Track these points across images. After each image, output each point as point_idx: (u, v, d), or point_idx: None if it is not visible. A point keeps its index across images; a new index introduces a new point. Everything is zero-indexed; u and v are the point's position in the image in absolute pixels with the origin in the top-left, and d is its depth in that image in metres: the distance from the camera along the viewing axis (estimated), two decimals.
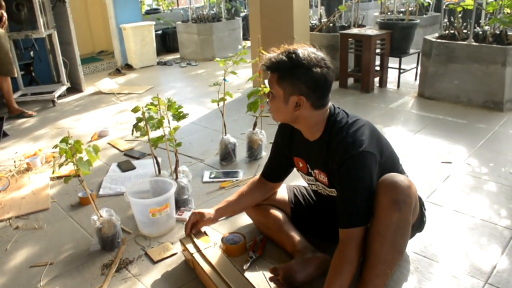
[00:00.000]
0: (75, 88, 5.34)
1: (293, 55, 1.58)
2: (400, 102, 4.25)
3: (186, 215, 2.29)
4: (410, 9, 5.37)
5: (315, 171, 1.80)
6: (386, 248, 1.48)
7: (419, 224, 1.83)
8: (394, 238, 1.49)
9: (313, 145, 1.73)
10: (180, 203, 2.35)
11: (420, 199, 1.84)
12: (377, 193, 1.53)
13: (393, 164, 1.79)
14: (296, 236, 1.92)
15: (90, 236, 2.22)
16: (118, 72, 6.20)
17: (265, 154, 3.05)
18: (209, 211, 2.01)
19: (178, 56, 7.14)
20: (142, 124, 2.28)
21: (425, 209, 1.91)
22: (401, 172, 1.83)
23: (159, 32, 7.43)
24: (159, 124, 2.21)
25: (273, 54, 1.64)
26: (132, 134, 2.28)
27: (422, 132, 3.43)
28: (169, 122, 2.32)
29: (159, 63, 6.68)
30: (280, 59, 1.60)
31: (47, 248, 2.15)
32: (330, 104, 1.70)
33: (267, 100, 1.72)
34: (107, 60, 6.80)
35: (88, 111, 4.49)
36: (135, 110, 2.27)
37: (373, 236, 1.51)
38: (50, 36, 5.09)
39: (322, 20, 5.38)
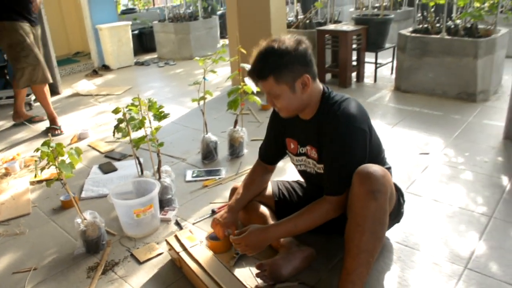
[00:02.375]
0: (51, 90, 5.22)
1: (273, 50, 1.63)
2: (377, 96, 4.32)
3: (170, 214, 2.30)
4: (384, 4, 5.45)
5: (307, 147, 1.84)
6: (366, 238, 1.52)
7: (396, 214, 1.88)
8: (373, 227, 1.53)
9: (308, 123, 1.78)
10: (164, 203, 2.35)
11: (399, 190, 1.89)
12: (352, 184, 1.57)
13: (379, 151, 1.84)
14: None
15: (74, 240, 2.20)
16: (95, 73, 6.13)
17: (246, 151, 3.07)
18: (225, 215, 1.96)
19: (156, 56, 7.10)
20: (123, 125, 2.28)
21: (404, 201, 1.95)
22: (383, 159, 1.88)
23: (136, 32, 7.36)
24: (141, 125, 2.21)
25: (254, 64, 1.67)
26: (114, 135, 2.28)
27: (400, 124, 3.50)
28: (150, 123, 2.32)
29: (136, 63, 6.63)
30: (264, 63, 1.64)
31: (30, 253, 2.13)
32: (321, 84, 1.77)
33: (269, 103, 1.75)
34: (83, 61, 6.72)
35: (67, 114, 4.44)
36: (115, 111, 2.26)
37: (352, 227, 1.55)
38: None
39: (299, 17, 5.42)
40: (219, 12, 8.06)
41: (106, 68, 6.43)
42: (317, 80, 1.75)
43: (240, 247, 1.77)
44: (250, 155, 3.02)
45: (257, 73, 1.67)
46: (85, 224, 2.02)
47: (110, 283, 1.88)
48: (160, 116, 2.33)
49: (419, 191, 2.45)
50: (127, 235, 2.19)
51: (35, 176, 1.83)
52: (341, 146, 1.64)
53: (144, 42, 7.53)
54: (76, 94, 5.13)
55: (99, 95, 5.00)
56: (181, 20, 6.88)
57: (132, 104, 2.28)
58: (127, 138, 2.32)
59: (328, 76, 4.97)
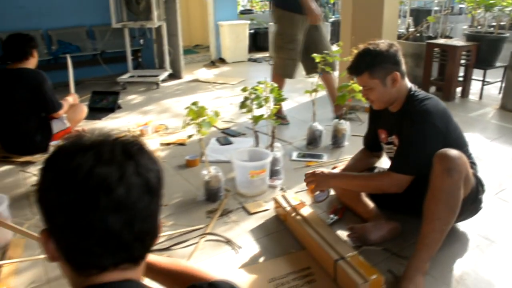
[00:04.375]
0: (175, 75, 5.96)
1: (369, 51, 2.03)
2: (480, 112, 4.39)
3: (277, 182, 2.70)
4: (501, 23, 5.44)
5: (393, 137, 2.17)
6: (440, 207, 1.78)
7: (474, 199, 2.05)
8: (447, 199, 1.78)
9: (395, 115, 2.12)
10: (272, 173, 2.75)
11: (478, 178, 2.09)
12: (432, 163, 1.83)
13: (460, 144, 2.07)
14: (372, 205, 2.25)
15: (196, 190, 2.68)
16: (212, 64, 6.78)
17: (347, 144, 3.37)
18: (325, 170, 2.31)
19: (268, 54, 7.60)
20: (248, 102, 2.71)
21: (483, 189, 2.12)
22: (466, 153, 2.08)
23: (251, 31, 7.94)
24: (265, 102, 2.62)
25: (352, 62, 2.09)
26: (241, 108, 2.71)
27: (499, 140, 3.58)
28: (270, 103, 2.73)
29: (249, 60, 7.18)
30: (361, 60, 2.04)
31: None
32: (409, 83, 2.11)
33: (364, 95, 2.15)
34: (202, 53, 7.43)
35: (187, 95, 5.06)
36: (244, 90, 2.71)
37: (429, 198, 1.81)
38: (159, 27, 5.73)
39: (410, 30, 5.59)
40: (331, 20, 8.39)
41: (222, 60, 7.05)
42: (406, 78, 2.09)
43: (307, 179, 2.21)
44: (351, 147, 3.31)
45: (354, 69, 2.08)
46: (209, 175, 2.48)
47: (225, 224, 2.31)
48: (279, 98, 2.74)
49: (507, 197, 2.60)
50: (240, 192, 2.62)
51: (183, 127, 2.29)
52: (414, 135, 1.96)
53: (258, 41, 8.08)
54: (196, 80, 5.77)
55: (216, 83, 5.58)
56: None
57: (259, 84, 2.71)
58: (240, 120, 2.75)
59: (433, 89, 5.09)
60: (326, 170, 2.25)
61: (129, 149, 0.78)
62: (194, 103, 2.25)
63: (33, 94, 3.33)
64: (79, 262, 0.76)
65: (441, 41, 4.96)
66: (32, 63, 3.44)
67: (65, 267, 0.79)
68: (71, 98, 3.72)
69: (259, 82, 2.74)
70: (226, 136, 3.56)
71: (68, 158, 0.74)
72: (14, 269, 1.99)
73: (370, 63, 2.01)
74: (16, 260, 2.02)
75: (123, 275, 0.78)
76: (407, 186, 1.98)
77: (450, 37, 5.38)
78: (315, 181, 2.19)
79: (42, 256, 2.01)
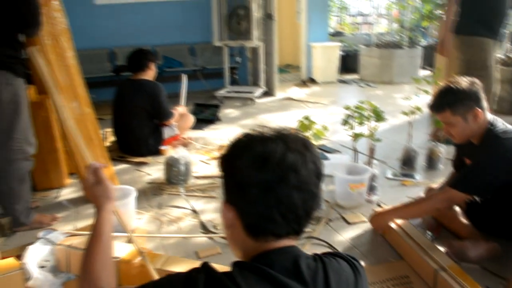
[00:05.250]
0: (268, 92, 6.27)
1: (450, 89, 2.15)
2: None
3: (373, 197, 2.83)
4: None
5: None
6: None
7: None
8: None
9: (476, 147, 2.23)
10: (369, 188, 2.89)
11: None
12: None
13: None
14: (468, 224, 2.32)
15: None
16: (303, 83, 7.03)
17: (442, 167, 3.42)
18: None
19: (357, 76, 7.72)
20: (350, 120, 2.89)
21: None
22: None
23: (342, 53, 8.11)
24: (367, 119, 2.79)
25: (433, 99, 2.23)
26: (343, 125, 2.90)
27: None
28: (371, 122, 2.89)
29: (339, 81, 7.34)
30: (443, 98, 2.17)
31: None
32: (490, 116, 2.21)
33: (445, 131, 2.29)
34: (293, 72, 7.71)
35: (281, 111, 5.33)
36: (346, 107, 2.89)
37: None
38: (256, 46, 6.08)
39: (508, 55, 5.47)
40: (422, 44, 8.35)
41: (312, 80, 7.28)
42: (486, 112, 2.18)
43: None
44: (445, 171, 3.35)
45: (436, 106, 2.21)
46: None
47: (326, 230, 2.49)
48: (379, 118, 2.89)
49: None
50: (339, 204, 2.79)
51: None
52: (481, 159, 2.12)
53: (347, 62, 8.22)
54: (289, 98, 6.04)
55: (308, 102, 5.81)
56: (386, 47, 7.39)
57: (360, 105, 2.88)
58: (334, 137, 2.93)
59: None
60: (378, 209, 2.44)
61: (306, 142, 0.99)
62: (306, 117, 2.47)
63: (150, 103, 3.75)
64: (260, 230, 0.95)
65: None
66: (150, 75, 3.88)
67: (240, 234, 0.97)
68: (181, 109, 4.12)
69: (361, 102, 2.91)
70: (322, 152, 3.74)
71: (262, 144, 0.94)
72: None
73: (451, 100, 2.13)
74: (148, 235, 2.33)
75: (290, 243, 0.98)
76: (458, 203, 2.13)
77: None
78: (373, 226, 2.40)
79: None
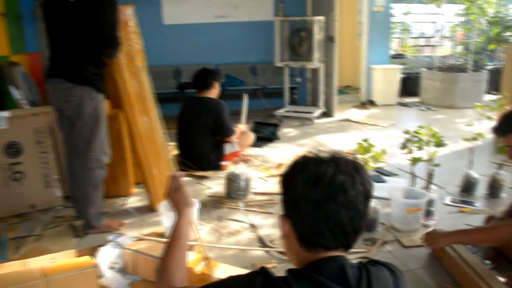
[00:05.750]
0: (327, 113, 6.33)
1: None
2: None
3: (430, 222, 2.83)
4: None
5: None
6: None
7: None
8: None
9: None
10: (426, 212, 2.88)
11: None
12: None
13: None
14: None
15: None
16: (362, 105, 7.04)
17: (505, 195, 3.33)
18: None
19: (418, 99, 7.60)
20: (408, 144, 2.91)
21: None
22: None
23: (402, 75, 8.03)
24: (426, 144, 2.80)
25: (497, 123, 2.26)
26: (402, 149, 2.92)
27: None
28: (430, 147, 2.90)
29: (399, 104, 7.27)
30: (507, 122, 2.19)
31: None
32: None
33: (508, 155, 2.30)
34: (352, 94, 7.74)
35: (339, 133, 5.38)
36: (405, 132, 2.92)
37: None
38: (317, 67, 6.18)
39: None
40: (489, 67, 8.10)
41: (371, 102, 7.27)
42: None
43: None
44: (507, 200, 3.28)
45: (500, 130, 2.23)
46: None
47: (381, 252, 2.52)
48: (439, 143, 2.89)
49: None
50: (394, 227, 2.80)
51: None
52: None
53: (408, 85, 8.12)
54: (347, 120, 6.07)
55: (366, 124, 5.82)
56: (449, 70, 7.25)
57: (419, 130, 2.90)
58: (391, 160, 2.94)
59: None
60: (438, 229, 2.42)
61: (357, 165, 1.10)
62: (365, 140, 2.53)
63: (213, 120, 3.94)
64: (311, 242, 1.07)
65: None
66: (214, 93, 4.08)
67: (294, 245, 1.10)
68: (242, 126, 4.28)
69: (420, 126, 2.92)
70: (379, 175, 3.76)
71: (316, 166, 1.07)
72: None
73: None
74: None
75: (338, 254, 1.09)
76: None
77: None
78: (427, 240, 2.40)
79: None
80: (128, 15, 3.01)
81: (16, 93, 3.70)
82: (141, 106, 3.14)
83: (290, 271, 1.06)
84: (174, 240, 1.35)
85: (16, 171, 3.25)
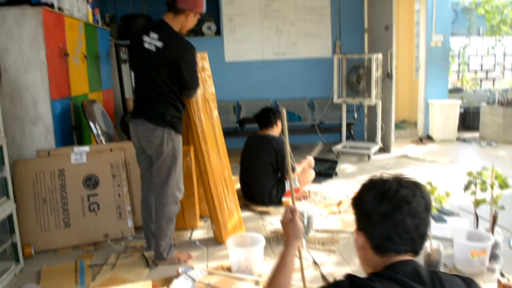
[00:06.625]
0: (384, 149, 6.35)
1: None
2: None
3: (495, 266, 2.81)
4: None
5: None
6: None
7: None
8: None
9: None
10: (491, 256, 2.87)
11: None
12: None
13: None
14: None
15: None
16: (420, 141, 7.00)
17: None
18: None
19: (477, 135, 7.46)
20: (471, 185, 2.94)
21: None
22: None
23: (461, 110, 7.92)
24: (491, 187, 2.82)
25: None
26: (465, 190, 2.95)
27: None
28: (493, 189, 2.90)
29: (458, 139, 7.16)
30: None
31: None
32: None
33: None
34: (409, 129, 7.69)
35: (397, 169, 5.38)
36: (469, 173, 2.95)
37: None
38: (374, 104, 6.25)
39: None
40: None
41: (429, 138, 7.21)
42: None
43: None
44: None
45: None
46: (431, 248, 2.75)
47: None
48: (504, 185, 2.89)
49: None
50: (457, 268, 2.81)
51: None
52: None
53: (467, 120, 8.00)
54: (405, 156, 6.06)
55: (425, 160, 5.79)
56: (511, 105, 7.09)
57: (482, 171, 2.92)
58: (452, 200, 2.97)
59: None
60: (503, 279, 2.44)
61: (417, 183, 1.30)
62: (428, 183, 2.59)
63: (276, 157, 4.10)
64: (384, 248, 1.24)
65: None
66: (276, 131, 4.26)
67: (368, 253, 1.28)
68: (306, 163, 4.42)
69: (484, 168, 2.94)
70: (441, 214, 3.75)
71: (382, 184, 1.28)
72: None
73: None
74: None
75: (409, 258, 1.25)
76: None
77: None
78: None
79: None
80: (204, 60, 3.30)
81: (95, 129, 4.04)
82: (213, 142, 3.38)
83: (370, 274, 1.23)
84: (281, 267, 1.54)
85: (93, 202, 3.54)
